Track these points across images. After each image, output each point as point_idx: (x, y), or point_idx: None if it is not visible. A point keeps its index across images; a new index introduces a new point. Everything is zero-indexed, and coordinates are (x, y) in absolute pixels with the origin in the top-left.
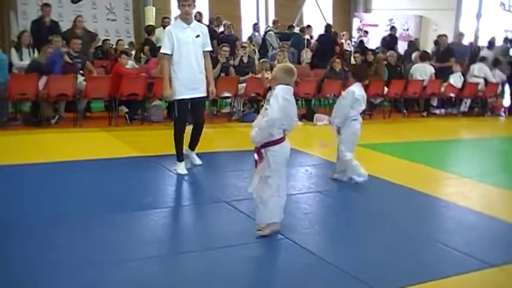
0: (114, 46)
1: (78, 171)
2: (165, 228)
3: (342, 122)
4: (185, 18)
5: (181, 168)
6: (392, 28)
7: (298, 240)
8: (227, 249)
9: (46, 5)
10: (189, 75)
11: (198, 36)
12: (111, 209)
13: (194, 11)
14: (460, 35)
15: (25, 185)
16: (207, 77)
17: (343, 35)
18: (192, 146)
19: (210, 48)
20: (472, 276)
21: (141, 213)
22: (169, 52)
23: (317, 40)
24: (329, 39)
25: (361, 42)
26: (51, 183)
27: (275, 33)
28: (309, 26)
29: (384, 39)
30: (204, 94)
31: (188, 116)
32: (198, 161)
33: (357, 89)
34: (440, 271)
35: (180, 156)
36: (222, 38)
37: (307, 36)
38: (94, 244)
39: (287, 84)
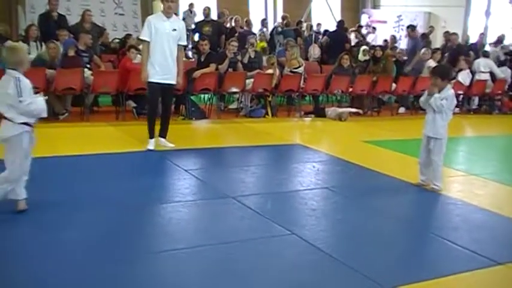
0: (116, 40)
1: (86, 165)
2: (172, 224)
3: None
4: (167, 12)
5: (150, 144)
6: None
7: (305, 236)
8: (234, 245)
9: None
10: (161, 62)
11: (174, 30)
12: (118, 204)
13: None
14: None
15: (33, 179)
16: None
17: (351, 31)
18: (162, 133)
19: (184, 43)
20: (479, 274)
21: (148, 209)
22: (147, 39)
23: (328, 36)
24: (340, 35)
25: (363, 37)
26: (58, 178)
27: (281, 29)
28: (318, 24)
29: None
30: (173, 82)
31: (158, 101)
32: (169, 145)
33: (453, 91)
34: (448, 268)
35: (150, 134)
36: (243, 34)
37: (313, 32)
38: (103, 240)
39: (14, 68)
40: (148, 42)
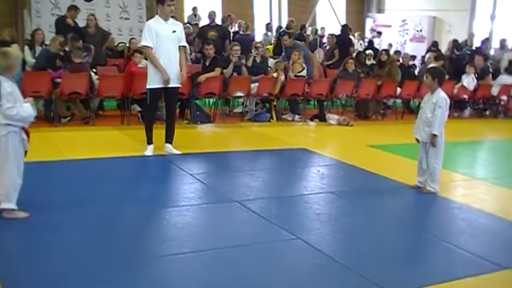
0: (123, 44)
1: (91, 169)
2: (176, 228)
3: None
4: (167, 16)
5: (148, 150)
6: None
7: (310, 241)
8: (238, 249)
9: (73, 9)
10: (166, 65)
11: (174, 31)
12: (123, 208)
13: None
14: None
15: (38, 183)
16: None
17: (355, 35)
18: (168, 139)
19: (184, 44)
20: (484, 279)
21: (153, 212)
22: (150, 44)
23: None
24: (344, 39)
25: (371, 42)
26: (63, 181)
27: (286, 33)
28: (322, 28)
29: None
30: (177, 85)
31: (158, 105)
32: (176, 152)
33: (445, 95)
34: (452, 273)
35: (148, 140)
36: (238, 38)
37: (317, 36)
38: (108, 244)
39: (1, 73)
40: (151, 47)
